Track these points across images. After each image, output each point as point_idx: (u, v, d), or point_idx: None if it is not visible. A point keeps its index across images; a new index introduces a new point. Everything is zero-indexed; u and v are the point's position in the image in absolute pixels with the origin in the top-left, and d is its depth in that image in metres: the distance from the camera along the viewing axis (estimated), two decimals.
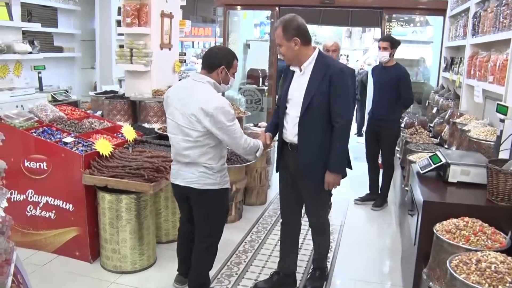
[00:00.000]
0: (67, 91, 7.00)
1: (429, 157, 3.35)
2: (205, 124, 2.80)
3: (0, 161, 2.24)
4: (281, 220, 3.48)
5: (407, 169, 4.38)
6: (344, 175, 3.15)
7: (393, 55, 5.12)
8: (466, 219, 2.42)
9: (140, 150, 3.89)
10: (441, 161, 3.16)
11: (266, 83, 8.59)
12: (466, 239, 2.26)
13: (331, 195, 3.76)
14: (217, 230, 3.17)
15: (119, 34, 7.97)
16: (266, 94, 8.42)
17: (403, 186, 4.45)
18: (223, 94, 3.02)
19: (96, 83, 8.16)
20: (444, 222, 2.46)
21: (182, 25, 5.92)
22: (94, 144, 3.71)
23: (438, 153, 3.31)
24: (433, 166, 3.20)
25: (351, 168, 3.33)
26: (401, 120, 5.53)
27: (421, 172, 3.26)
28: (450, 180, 3.02)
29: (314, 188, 3.20)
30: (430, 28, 9.81)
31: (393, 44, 5.09)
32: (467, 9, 5.33)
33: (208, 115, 2.77)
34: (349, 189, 5.69)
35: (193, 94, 2.86)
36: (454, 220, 2.44)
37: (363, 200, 5.45)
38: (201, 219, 3.10)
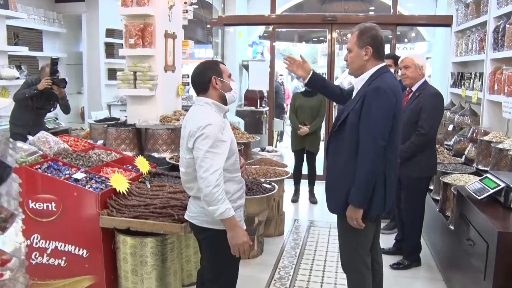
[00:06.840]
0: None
1: (481, 181, 3.15)
2: (189, 146, 2.43)
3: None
4: None
5: (442, 193, 4.10)
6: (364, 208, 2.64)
7: (396, 72, 4.81)
8: None
9: (159, 184, 3.49)
10: (499, 185, 2.94)
11: (264, 105, 8.27)
12: None
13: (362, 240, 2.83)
14: (222, 277, 2.63)
15: (107, 57, 7.61)
16: (265, 116, 8.06)
17: (437, 210, 4.16)
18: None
19: (84, 109, 7.71)
20: None
21: (185, 46, 5.54)
22: (109, 180, 3.30)
23: (490, 176, 3.12)
24: (492, 191, 2.97)
25: (383, 210, 2.74)
26: None
27: (479, 198, 3.01)
28: None
29: (339, 222, 2.86)
30: (423, 44, 9.74)
31: (396, 61, 4.81)
32: (483, 24, 5.18)
33: (192, 136, 2.40)
34: None
35: (189, 119, 2.53)
36: None
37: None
38: (205, 261, 2.67)
